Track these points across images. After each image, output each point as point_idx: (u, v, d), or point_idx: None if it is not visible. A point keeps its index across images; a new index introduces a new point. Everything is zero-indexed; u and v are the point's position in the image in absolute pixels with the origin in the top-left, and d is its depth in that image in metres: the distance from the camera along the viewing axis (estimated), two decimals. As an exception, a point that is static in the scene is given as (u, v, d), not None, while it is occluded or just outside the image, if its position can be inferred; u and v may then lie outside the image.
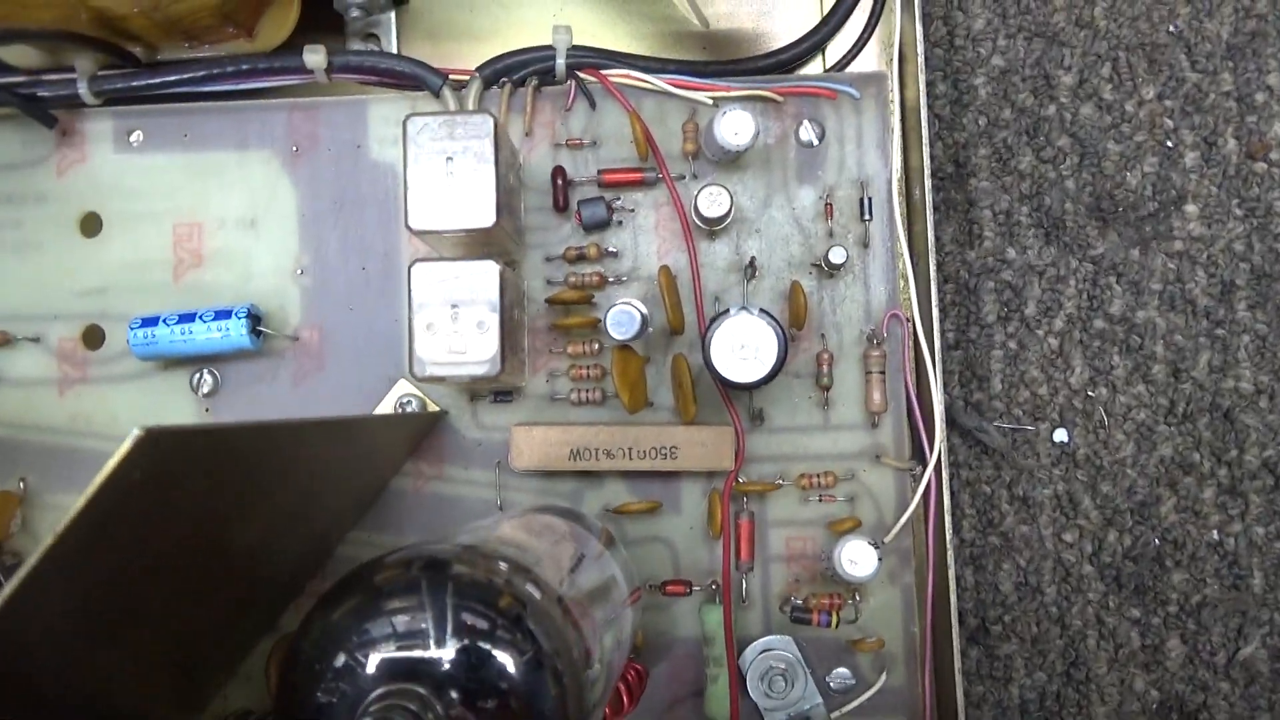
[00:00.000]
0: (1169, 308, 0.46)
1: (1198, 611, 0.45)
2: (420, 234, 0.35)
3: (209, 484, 0.24)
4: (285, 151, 0.41)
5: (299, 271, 0.41)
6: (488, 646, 0.21)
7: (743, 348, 0.35)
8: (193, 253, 0.41)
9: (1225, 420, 0.46)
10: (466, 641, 0.21)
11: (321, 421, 0.28)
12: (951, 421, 0.46)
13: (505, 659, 0.21)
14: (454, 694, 0.20)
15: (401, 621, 0.21)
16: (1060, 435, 0.46)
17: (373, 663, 0.21)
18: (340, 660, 0.22)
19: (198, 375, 0.40)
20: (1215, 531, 0.46)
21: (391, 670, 0.21)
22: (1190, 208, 0.46)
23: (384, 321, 0.41)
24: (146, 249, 0.41)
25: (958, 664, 0.38)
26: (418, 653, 0.21)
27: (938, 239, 0.46)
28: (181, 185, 0.41)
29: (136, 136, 0.41)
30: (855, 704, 0.39)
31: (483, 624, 0.21)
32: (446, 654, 0.21)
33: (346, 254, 0.41)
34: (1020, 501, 0.46)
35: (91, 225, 0.41)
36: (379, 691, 0.20)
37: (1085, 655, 0.46)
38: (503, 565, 0.23)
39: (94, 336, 0.41)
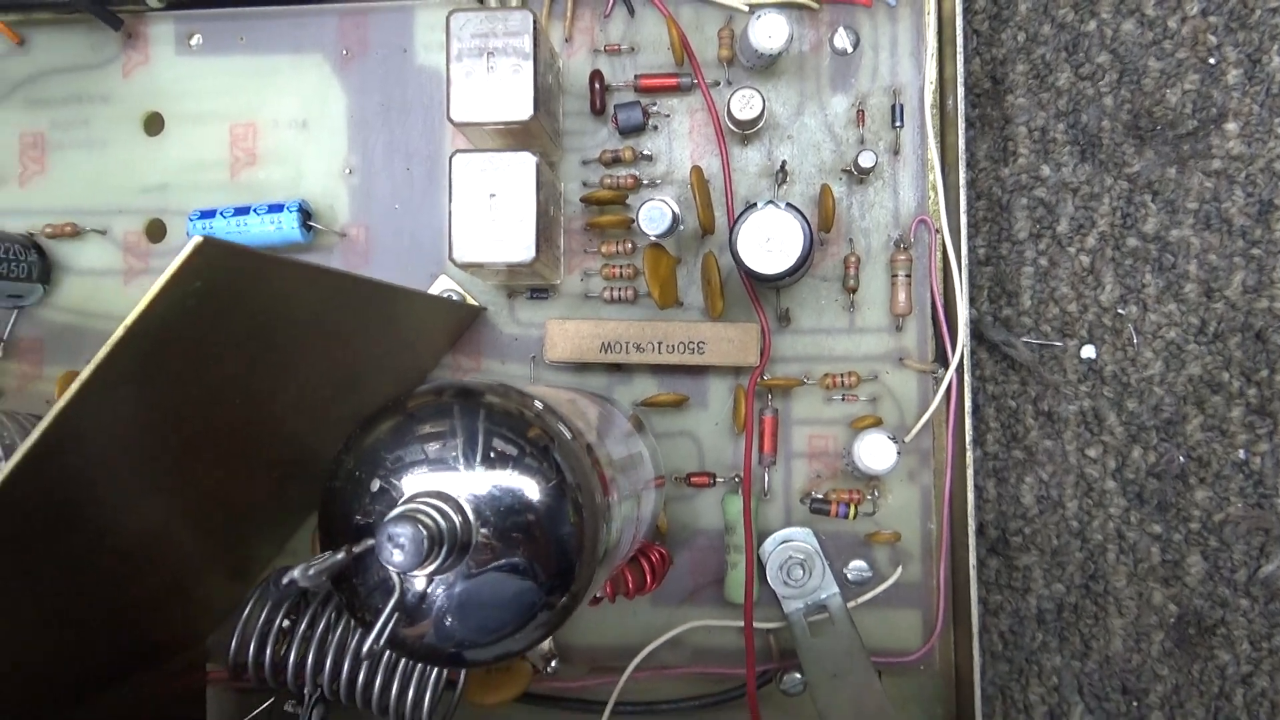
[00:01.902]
0: (1204, 227, 0.46)
1: (1220, 529, 0.46)
2: (461, 126, 0.36)
3: (260, 319, 0.25)
4: (336, 55, 0.43)
5: (347, 171, 0.43)
6: (515, 472, 0.23)
7: (769, 240, 0.36)
8: (248, 152, 0.43)
9: (1257, 340, 0.46)
10: (495, 466, 0.23)
11: (369, 280, 0.30)
12: (979, 335, 0.46)
13: (531, 485, 0.23)
14: (479, 511, 0.22)
15: (433, 446, 0.23)
16: (1088, 352, 0.46)
17: (406, 485, 0.23)
18: (375, 485, 0.23)
19: (252, 267, 0.42)
20: (1242, 450, 0.46)
21: (423, 487, 0.22)
22: (1230, 126, 0.45)
23: (427, 220, 0.42)
24: (205, 148, 0.43)
25: (973, 560, 0.39)
26: (448, 474, 0.22)
27: (972, 155, 0.47)
28: (238, 87, 0.43)
29: (196, 39, 0.43)
30: (871, 595, 0.40)
31: (512, 450, 0.23)
32: (475, 476, 0.22)
33: (392, 155, 0.43)
34: (1045, 416, 0.47)
35: (154, 125, 0.44)
36: (408, 497, 0.21)
37: (1104, 568, 0.46)
38: (536, 403, 0.25)
39: (156, 230, 0.44)
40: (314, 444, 0.38)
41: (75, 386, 0.21)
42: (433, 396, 0.24)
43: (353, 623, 0.34)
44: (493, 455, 0.23)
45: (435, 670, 0.33)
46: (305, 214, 0.41)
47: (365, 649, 0.21)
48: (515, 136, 0.38)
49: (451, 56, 0.36)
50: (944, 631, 0.41)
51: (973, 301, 0.47)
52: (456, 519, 0.21)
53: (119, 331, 0.21)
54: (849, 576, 0.41)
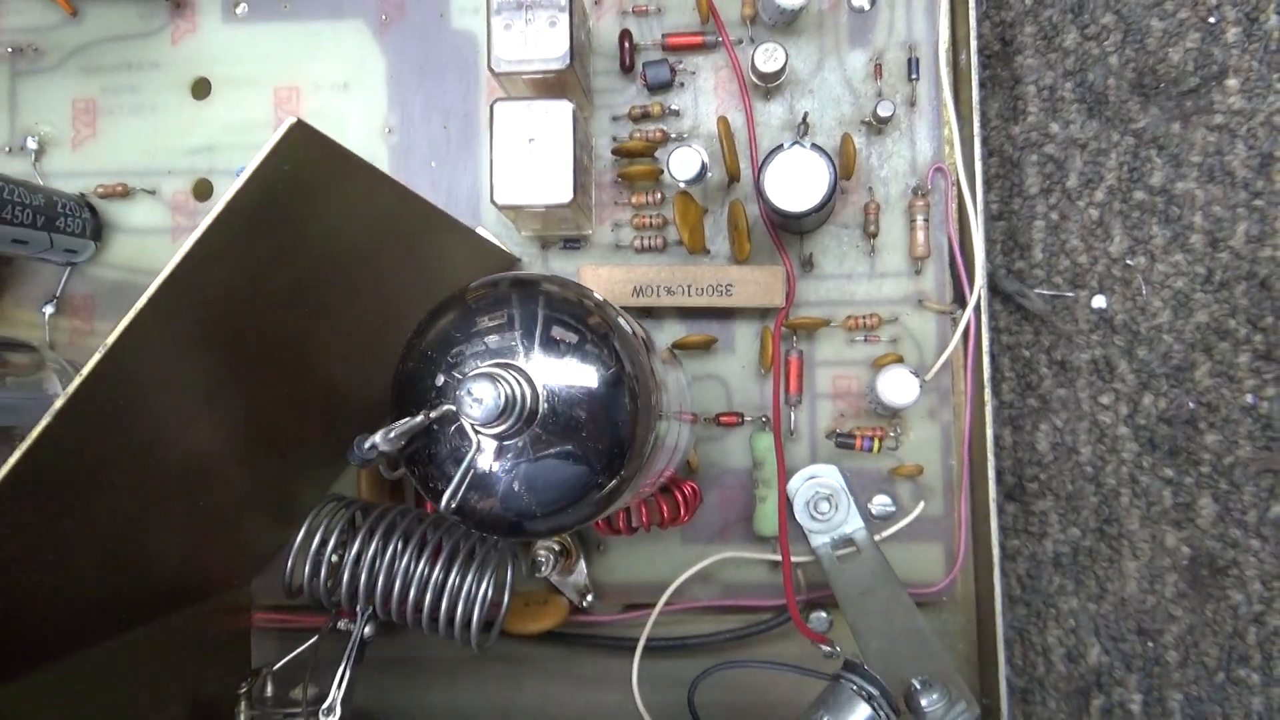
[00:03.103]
0: (1208, 179, 0.48)
1: (1230, 471, 0.47)
2: (500, 76, 0.38)
3: (329, 222, 0.27)
4: (375, 21, 0.45)
5: (387, 130, 0.45)
6: (577, 355, 0.24)
7: (795, 179, 0.37)
8: (292, 113, 0.45)
9: (1261, 288, 0.47)
10: (558, 348, 0.24)
11: (425, 200, 0.32)
12: (994, 287, 0.48)
13: (591, 369, 0.24)
14: (545, 385, 0.24)
15: (501, 327, 0.24)
16: (1099, 302, 0.48)
17: (476, 361, 0.24)
18: (447, 362, 0.25)
19: (296, 222, 0.44)
20: (1250, 395, 0.47)
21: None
22: (1231, 82, 0.47)
23: (464, 175, 0.44)
24: (250, 110, 0.45)
25: (993, 493, 0.40)
26: (517, 352, 0.24)
27: (984, 114, 0.49)
28: (282, 52, 0.45)
29: (242, 8, 0.45)
30: (895, 529, 0.42)
31: (572, 336, 0.24)
32: (542, 355, 0.24)
33: (429, 115, 0.45)
34: (1058, 365, 0.48)
35: (201, 89, 0.46)
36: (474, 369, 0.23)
37: (1118, 512, 0.48)
38: (596, 295, 0.26)
39: (204, 189, 0.45)
40: (353, 386, 0.39)
41: (164, 275, 0.23)
42: (489, 288, 0.26)
43: (400, 544, 0.35)
44: (556, 337, 0.24)
45: (481, 590, 0.35)
46: (347, 169, 0.43)
47: (442, 505, 0.22)
48: (550, 88, 0.39)
49: (491, 10, 0.38)
50: (965, 566, 0.42)
51: (987, 254, 0.49)
52: (526, 386, 0.23)
53: (216, 208, 0.22)
54: (873, 511, 0.42)
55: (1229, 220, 0.47)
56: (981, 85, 0.48)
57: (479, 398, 0.21)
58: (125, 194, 0.45)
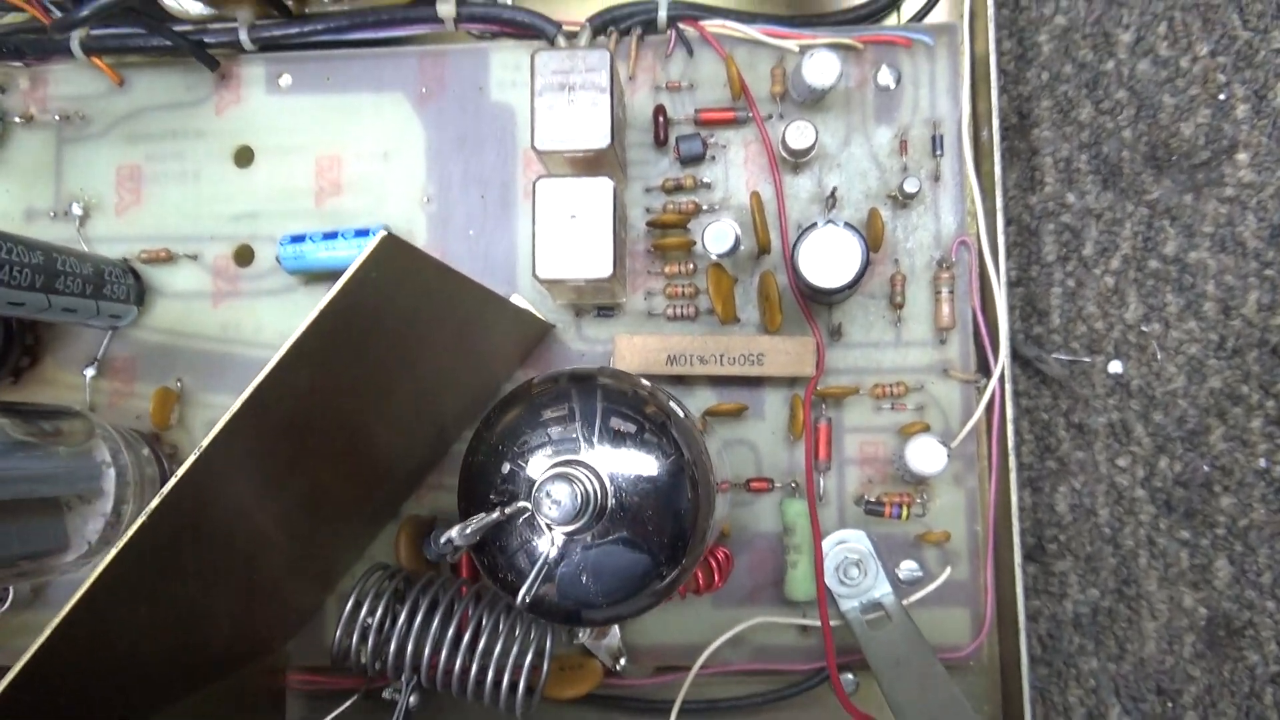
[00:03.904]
0: (1220, 249, 0.49)
1: (1245, 534, 0.48)
2: (543, 154, 0.40)
3: (402, 316, 0.28)
4: (415, 93, 0.46)
5: (426, 200, 0.46)
6: (638, 447, 0.25)
7: (828, 257, 0.39)
8: (332, 182, 0.46)
9: (1273, 355, 0.49)
10: (620, 441, 0.25)
11: (478, 284, 0.33)
12: (1013, 352, 0.49)
13: (652, 460, 0.25)
14: (612, 479, 0.25)
15: (556, 428, 0.25)
16: (1115, 367, 0.49)
17: (534, 466, 0.25)
18: (506, 468, 0.26)
19: (335, 289, 0.45)
20: (1263, 459, 0.48)
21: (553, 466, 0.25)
22: (1241, 156, 0.49)
23: (500, 244, 0.45)
24: (292, 178, 0.46)
25: (1018, 559, 0.41)
26: (582, 447, 0.25)
27: (1003, 185, 0.50)
28: (324, 122, 0.46)
29: (285, 80, 0.47)
30: (922, 594, 0.43)
31: (630, 427, 0.25)
32: (605, 449, 0.25)
33: (468, 185, 0.46)
34: (1076, 429, 0.50)
35: (245, 157, 0.47)
36: (555, 464, 0.24)
37: (1136, 573, 0.49)
38: (646, 383, 0.27)
39: (245, 255, 0.46)
40: (395, 455, 0.40)
41: (259, 378, 0.24)
42: (550, 384, 0.27)
43: (444, 614, 0.36)
44: (618, 429, 0.25)
45: (523, 657, 0.36)
46: (388, 238, 0.44)
47: (518, 601, 0.23)
48: (589, 164, 0.41)
49: (535, 91, 0.39)
50: (991, 629, 0.43)
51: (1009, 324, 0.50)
52: (596, 484, 0.24)
53: (311, 315, 0.24)
54: (901, 576, 0.43)
55: (1240, 289, 0.49)
56: (1000, 156, 0.50)
57: (557, 499, 0.22)
58: (168, 259, 0.46)
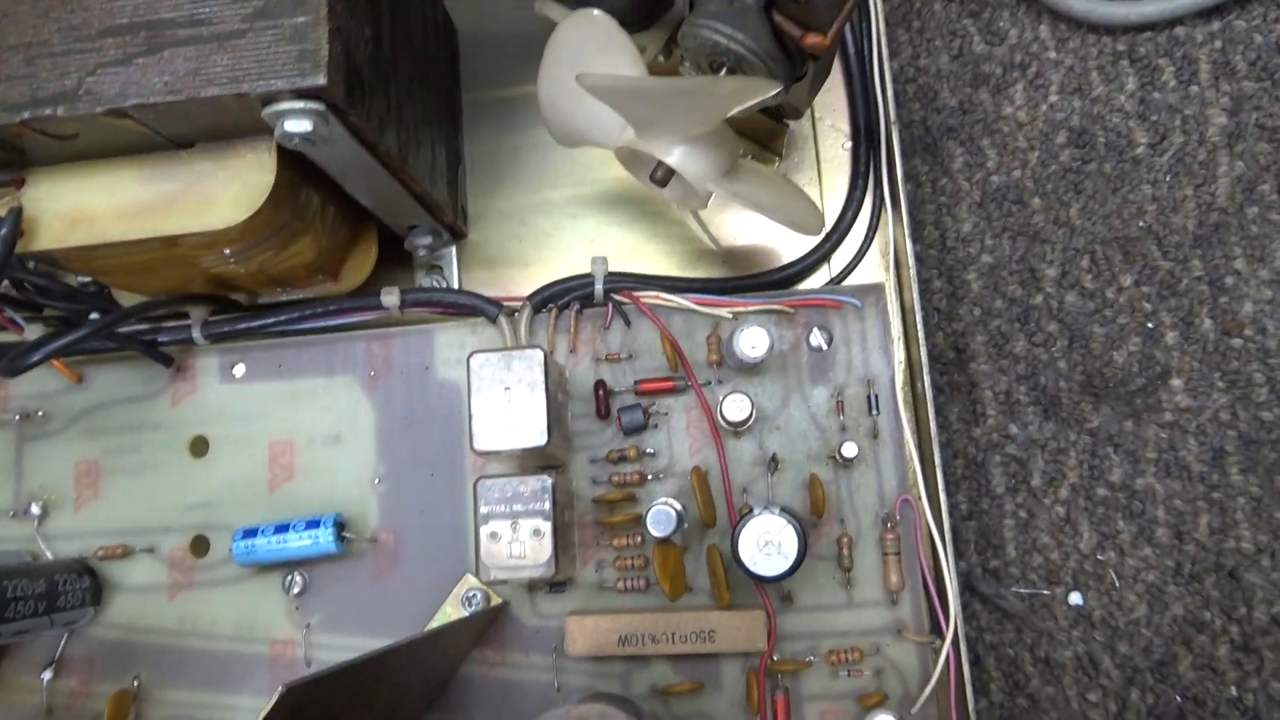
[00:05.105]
0: (1165, 474, 0.50)
1: (1226, 766, 0.47)
2: (484, 454, 0.40)
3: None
4: (364, 376, 0.48)
5: (376, 480, 0.47)
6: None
7: (766, 545, 0.39)
8: (285, 467, 0.47)
9: (1231, 579, 0.49)
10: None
11: (416, 640, 0.33)
12: (972, 588, 0.49)
13: None
14: None
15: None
16: (1075, 598, 0.49)
17: None
18: None
19: (289, 577, 0.46)
20: (1234, 687, 0.48)
21: None
22: (1175, 381, 0.50)
23: (450, 522, 0.46)
24: (246, 466, 0.47)
25: (989, 830, 0.40)
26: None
27: (945, 419, 0.51)
28: (276, 409, 0.48)
29: (239, 369, 0.48)
30: None
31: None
32: None
33: (417, 463, 0.47)
34: (1043, 663, 0.49)
35: (200, 447, 0.48)
36: None
37: (1121, 813, 0.48)
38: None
39: (200, 546, 0.47)
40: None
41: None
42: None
43: None
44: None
45: None
46: (340, 526, 0.45)
47: None
48: (531, 455, 0.42)
49: (473, 391, 0.41)
50: None
51: (961, 555, 0.50)
52: None
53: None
54: None
55: (1190, 513, 0.49)
56: (940, 391, 0.51)
57: None
58: (125, 554, 0.47)
